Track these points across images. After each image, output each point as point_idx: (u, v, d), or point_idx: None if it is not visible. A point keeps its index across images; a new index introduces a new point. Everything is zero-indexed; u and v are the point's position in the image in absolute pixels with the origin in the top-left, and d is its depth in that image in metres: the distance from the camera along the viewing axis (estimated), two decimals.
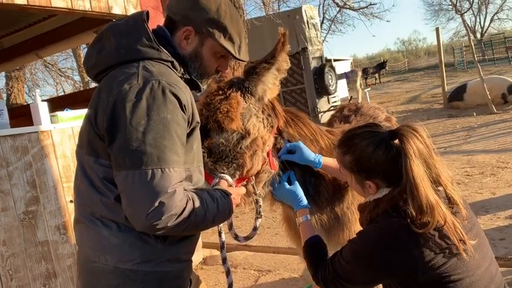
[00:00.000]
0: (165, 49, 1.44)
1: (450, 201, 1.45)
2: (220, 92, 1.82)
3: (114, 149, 1.28)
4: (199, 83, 1.57)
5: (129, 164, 1.24)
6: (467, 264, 1.39)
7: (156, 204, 1.22)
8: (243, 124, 1.82)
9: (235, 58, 1.57)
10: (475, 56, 12.46)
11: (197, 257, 4.41)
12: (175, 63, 1.46)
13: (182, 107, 1.33)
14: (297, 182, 1.96)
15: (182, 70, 1.50)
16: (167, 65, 1.43)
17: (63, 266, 3.07)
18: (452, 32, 63.20)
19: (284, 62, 1.88)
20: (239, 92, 1.83)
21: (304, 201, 1.91)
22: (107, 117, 1.30)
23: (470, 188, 5.46)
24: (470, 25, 40.55)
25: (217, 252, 4.53)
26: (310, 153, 1.96)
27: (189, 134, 1.40)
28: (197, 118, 1.44)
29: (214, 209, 1.39)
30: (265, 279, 3.86)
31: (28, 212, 2.90)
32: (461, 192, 5.38)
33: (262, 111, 1.92)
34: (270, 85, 1.90)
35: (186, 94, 1.37)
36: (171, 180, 1.25)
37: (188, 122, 1.38)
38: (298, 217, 1.87)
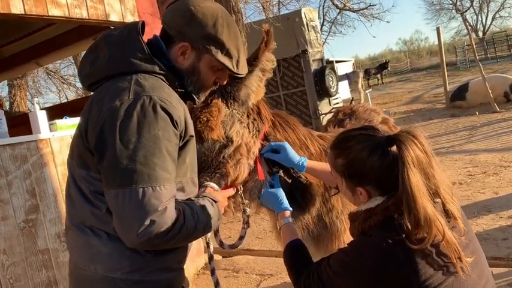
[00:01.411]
0: (160, 61, 1.41)
1: (448, 215, 1.36)
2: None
3: (104, 167, 1.27)
4: (195, 97, 1.55)
5: (119, 183, 1.24)
6: (464, 283, 1.30)
7: (147, 222, 1.21)
8: (225, 132, 1.76)
9: (233, 73, 1.54)
10: (476, 54, 12.44)
11: (199, 262, 4.41)
12: (170, 76, 1.43)
13: (174, 122, 1.31)
14: (280, 185, 1.90)
15: (177, 83, 1.47)
16: (160, 78, 1.41)
17: (64, 274, 3.07)
18: (454, 31, 63.09)
19: (268, 61, 1.82)
20: (220, 99, 1.77)
21: (285, 203, 1.83)
22: (96, 135, 1.29)
23: (473, 187, 5.44)
24: (472, 24, 40.55)
25: (219, 257, 4.53)
26: (295, 156, 1.90)
27: (182, 148, 1.39)
28: (191, 131, 1.42)
29: (204, 218, 1.39)
30: (267, 284, 3.85)
31: (28, 221, 2.91)
32: (464, 192, 5.36)
33: (247, 116, 1.86)
34: (254, 88, 1.83)
35: (179, 109, 1.35)
36: (161, 198, 1.25)
37: (181, 137, 1.36)
38: (280, 220, 1.79)
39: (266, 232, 5.14)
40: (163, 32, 1.52)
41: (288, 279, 3.85)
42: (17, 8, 2.95)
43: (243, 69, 1.58)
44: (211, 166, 1.76)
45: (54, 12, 3.20)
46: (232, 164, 1.78)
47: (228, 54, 1.49)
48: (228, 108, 1.79)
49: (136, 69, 1.37)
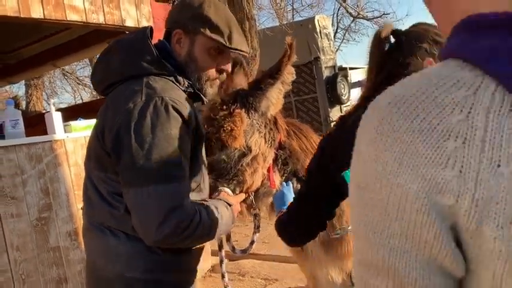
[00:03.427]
0: (168, 62, 1.46)
1: None
2: (224, 107, 1.76)
3: (122, 168, 1.32)
4: (203, 96, 1.58)
5: (137, 182, 1.28)
6: None
7: (166, 219, 1.26)
8: (245, 141, 1.79)
9: (227, 47, 1.54)
10: None
11: (206, 265, 4.46)
12: (178, 77, 1.48)
13: (185, 121, 1.36)
14: (292, 192, 1.91)
15: (186, 83, 1.51)
16: (170, 80, 1.45)
17: (74, 272, 3.16)
18: None
19: (289, 74, 1.85)
20: (243, 109, 1.79)
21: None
22: (112, 137, 1.34)
23: None
24: None
25: (225, 260, 4.58)
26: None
27: (194, 147, 1.43)
28: (201, 131, 1.47)
29: (219, 220, 1.43)
30: None
31: (41, 219, 3.00)
32: None
33: (265, 126, 1.89)
34: (274, 100, 1.86)
35: (189, 108, 1.40)
36: (178, 195, 1.29)
37: (192, 135, 1.41)
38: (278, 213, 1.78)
39: (272, 237, 5.18)
40: (165, 34, 1.58)
41: (292, 285, 3.89)
42: (36, 13, 3.06)
43: (238, 44, 1.57)
44: (230, 173, 1.79)
45: (72, 17, 3.31)
46: (250, 172, 1.81)
47: (218, 30, 1.50)
48: (249, 118, 1.82)
49: (147, 72, 1.42)
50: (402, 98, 0.49)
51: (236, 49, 1.56)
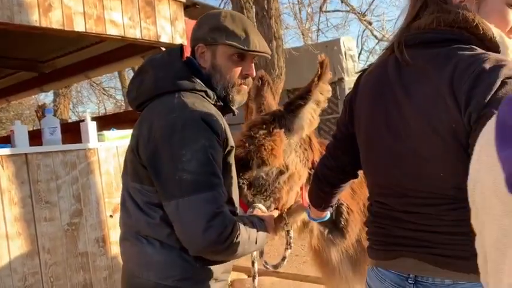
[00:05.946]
0: (197, 77, 1.53)
1: None
2: (264, 126, 1.84)
3: (161, 182, 1.39)
4: (232, 108, 1.62)
5: (178, 193, 1.34)
6: None
7: (209, 225, 1.31)
8: (284, 160, 1.85)
9: (245, 50, 1.55)
10: None
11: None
12: (208, 91, 1.54)
13: (216, 133, 1.42)
14: None
15: (215, 98, 1.57)
16: (201, 95, 1.52)
17: (99, 278, 3.23)
18: None
19: (323, 92, 1.90)
20: (283, 129, 1.86)
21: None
22: (149, 152, 1.41)
23: None
24: None
25: (244, 276, 4.60)
26: None
27: (225, 158, 1.49)
28: (231, 143, 1.52)
29: (254, 234, 1.48)
30: None
31: (71, 224, 3.09)
32: None
33: (300, 146, 1.95)
34: (308, 120, 1.92)
35: (219, 121, 1.46)
36: (218, 202, 1.35)
37: (223, 146, 1.47)
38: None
39: (292, 256, 5.17)
40: (191, 52, 1.64)
41: None
42: (79, 26, 3.21)
43: (256, 46, 1.58)
44: (268, 190, 1.85)
45: (112, 31, 3.45)
46: (286, 190, 1.87)
47: (234, 35, 1.54)
48: (286, 138, 1.88)
49: (179, 88, 1.49)
50: None
51: (255, 51, 1.59)
